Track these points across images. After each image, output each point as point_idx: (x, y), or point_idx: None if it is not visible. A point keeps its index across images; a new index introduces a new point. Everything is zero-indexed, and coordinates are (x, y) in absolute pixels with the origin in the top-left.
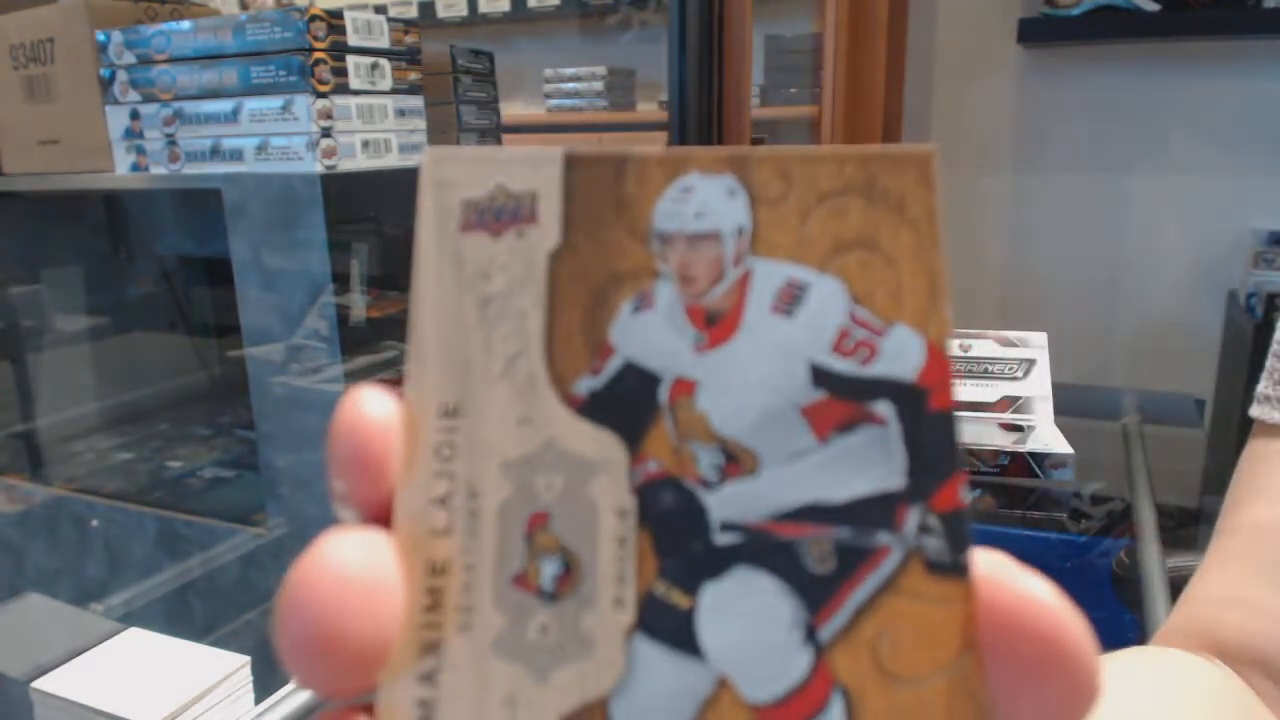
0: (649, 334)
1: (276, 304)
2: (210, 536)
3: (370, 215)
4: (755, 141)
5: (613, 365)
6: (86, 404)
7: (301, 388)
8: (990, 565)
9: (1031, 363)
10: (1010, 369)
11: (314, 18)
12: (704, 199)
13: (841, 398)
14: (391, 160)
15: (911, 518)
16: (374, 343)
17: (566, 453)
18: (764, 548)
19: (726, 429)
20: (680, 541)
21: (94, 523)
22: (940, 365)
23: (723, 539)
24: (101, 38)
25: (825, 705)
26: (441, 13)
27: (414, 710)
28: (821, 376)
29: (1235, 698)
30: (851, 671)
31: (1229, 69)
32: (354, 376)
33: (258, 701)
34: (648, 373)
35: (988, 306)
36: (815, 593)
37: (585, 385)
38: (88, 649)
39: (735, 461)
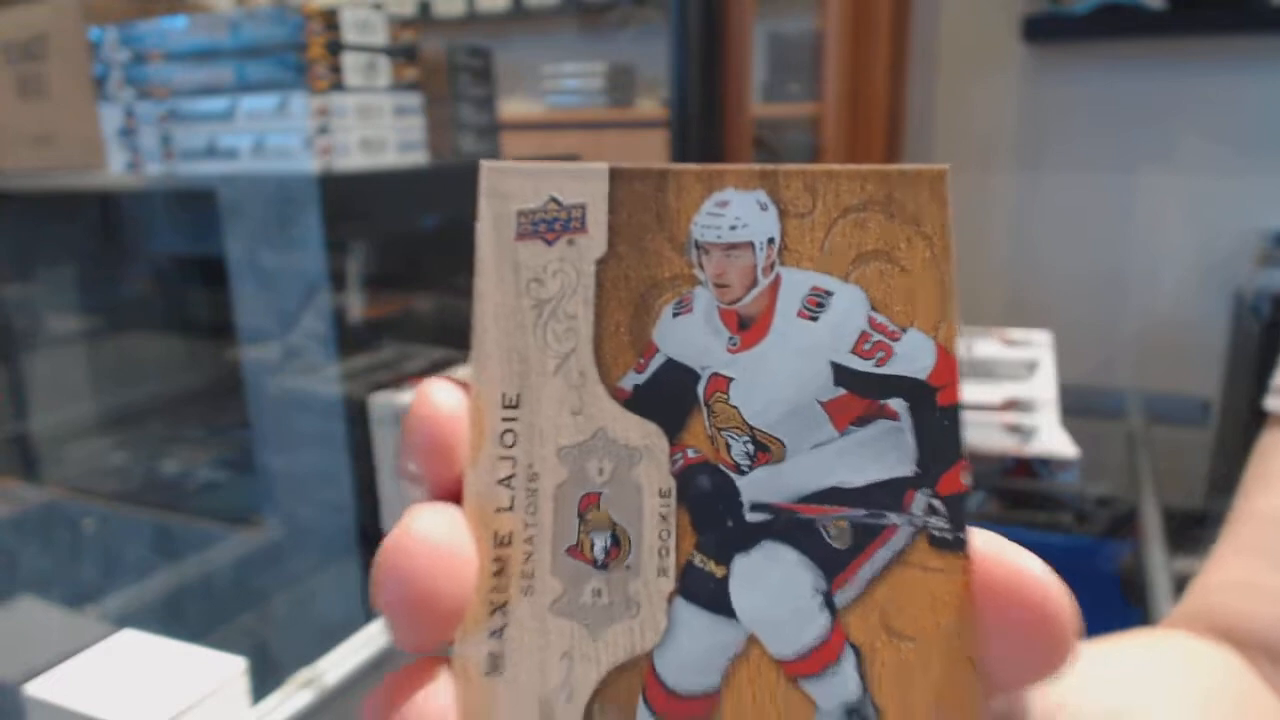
0: (688, 335)
1: (272, 304)
2: (206, 538)
3: (368, 214)
4: (756, 140)
5: (655, 363)
6: (80, 405)
7: (298, 388)
8: (989, 542)
9: (1036, 362)
10: (1014, 370)
11: (310, 15)
12: (738, 212)
13: (860, 394)
14: (389, 158)
15: (919, 500)
16: (371, 343)
17: (615, 441)
18: (788, 525)
19: (757, 421)
20: (715, 519)
21: (88, 524)
22: (948, 366)
23: (752, 517)
24: (95, 34)
25: (840, 659)
26: (439, 10)
27: (485, 662)
28: (842, 375)
29: (1236, 679)
30: (863, 631)
31: (1237, 67)
32: (351, 377)
33: (254, 704)
34: (687, 370)
35: (991, 305)
36: (833, 564)
37: (631, 380)
38: (81, 651)
39: (764, 450)
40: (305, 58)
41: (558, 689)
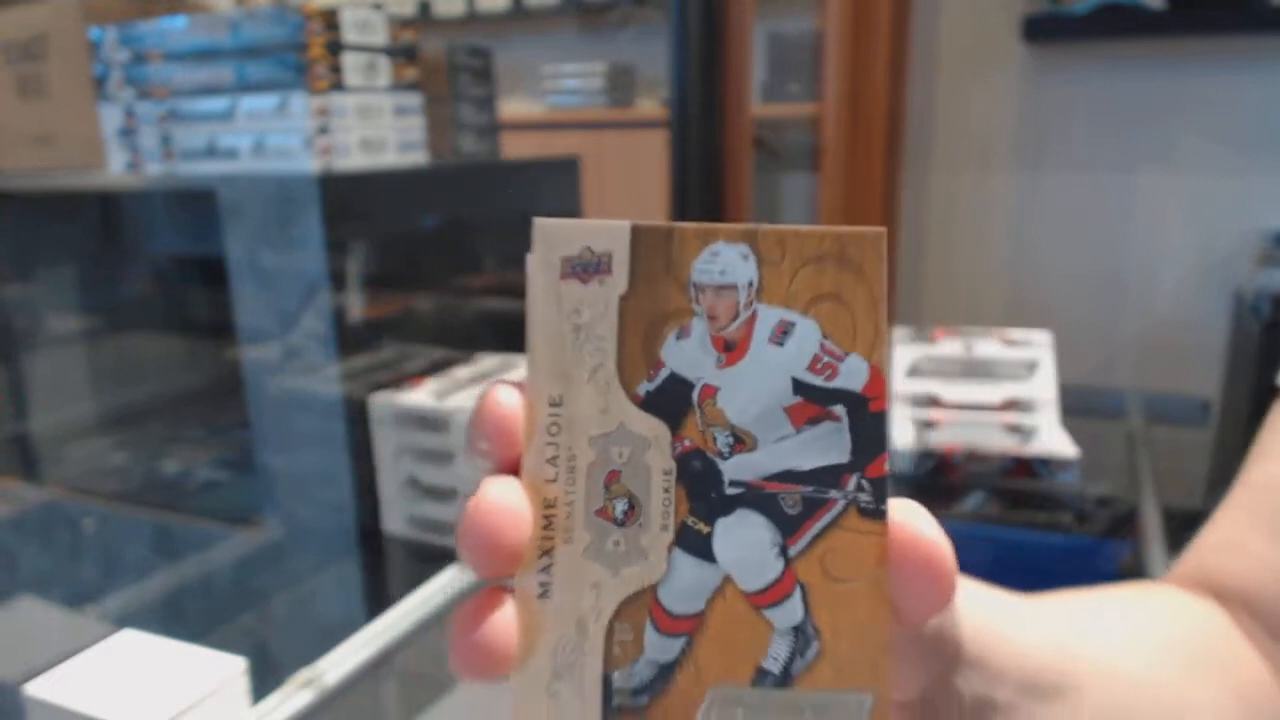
0: (687, 354)
1: (272, 304)
2: (206, 538)
3: (368, 214)
4: (756, 140)
5: (662, 375)
6: (80, 405)
7: (298, 388)
8: (903, 510)
9: (1036, 362)
10: (1014, 370)
11: (310, 15)
12: (726, 261)
13: (812, 402)
14: (389, 159)
15: (852, 481)
16: (371, 343)
17: (631, 432)
18: (757, 497)
19: (736, 420)
20: (703, 491)
21: (88, 524)
22: (879, 381)
23: (731, 491)
24: (95, 34)
25: (791, 593)
26: (439, 10)
27: (537, 590)
28: (800, 387)
29: (1217, 629)
30: (808, 574)
31: (1236, 67)
32: (351, 377)
33: (254, 704)
34: (685, 381)
35: (991, 305)
36: (788, 526)
37: (644, 388)
38: (81, 651)
39: (741, 441)
40: (305, 58)
41: (589, 610)
